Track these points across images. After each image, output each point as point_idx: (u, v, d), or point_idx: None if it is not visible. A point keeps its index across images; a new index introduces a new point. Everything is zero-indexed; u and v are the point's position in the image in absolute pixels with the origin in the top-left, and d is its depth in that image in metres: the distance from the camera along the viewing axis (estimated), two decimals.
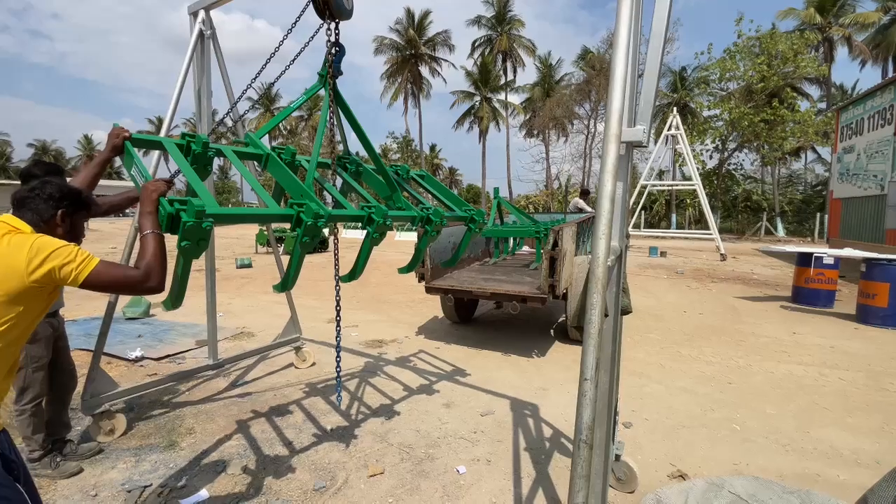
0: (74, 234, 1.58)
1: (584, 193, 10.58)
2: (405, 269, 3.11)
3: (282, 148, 2.52)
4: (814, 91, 30.62)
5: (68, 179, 1.97)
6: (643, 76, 1.58)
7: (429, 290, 4.87)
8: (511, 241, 7.25)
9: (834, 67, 28.86)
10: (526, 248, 7.98)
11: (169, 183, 1.78)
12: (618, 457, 2.46)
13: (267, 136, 2.51)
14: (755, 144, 25.47)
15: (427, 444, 2.97)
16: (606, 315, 1.21)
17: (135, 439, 2.98)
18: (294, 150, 2.53)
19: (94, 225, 24.34)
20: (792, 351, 5.02)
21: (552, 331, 4.71)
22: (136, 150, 2.02)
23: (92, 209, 1.66)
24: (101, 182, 2.09)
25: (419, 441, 3.01)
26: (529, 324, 6.18)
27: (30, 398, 2.50)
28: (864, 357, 4.83)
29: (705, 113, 26.94)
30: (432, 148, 47.04)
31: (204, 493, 2.41)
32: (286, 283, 2.21)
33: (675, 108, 17.21)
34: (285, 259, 4.46)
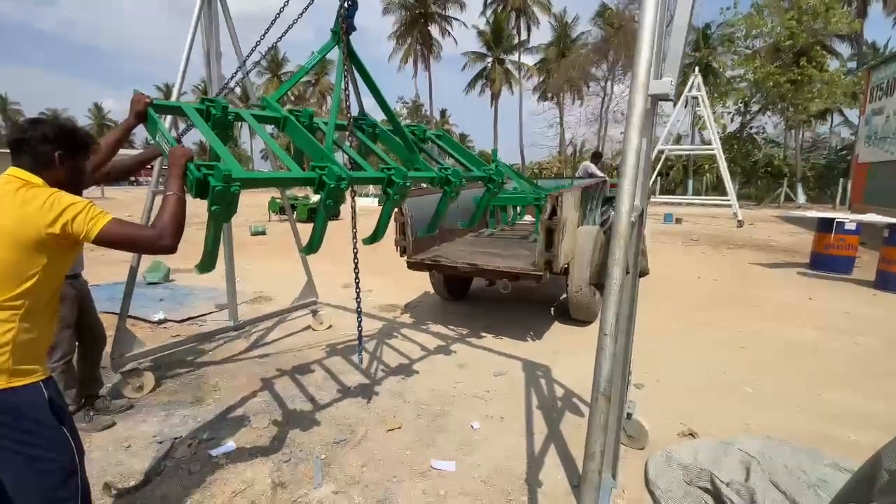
0: (76, 179, 1.53)
1: (596, 157, 9.48)
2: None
3: (298, 110, 2.48)
4: (844, 49, 28.95)
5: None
6: (672, 25, 1.50)
7: (411, 265, 4.36)
8: (511, 209, 6.39)
9: (866, 24, 27.13)
10: (528, 218, 6.98)
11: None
12: (629, 415, 2.51)
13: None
14: (779, 107, 24.41)
15: (442, 402, 3.06)
16: (627, 272, 1.20)
17: (163, 395, 3.12)
18: (311, 112, 2.50)
19: (109, 193, 24.65)
20: (807, 316, 4.99)
21: (552, 309, 4.25)
22: (158, 116, 2.00)
23: (91, 150, 1.58)
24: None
25: (434, 399, 3.11)
26: (528, 301, 5.64)
27: (59, 356, 2.61)
28: (881, 323, 4.79)
29: (728, 73, 25.75)
30: (443, 113, 46.05)
31: (231, 445, 2.54)
32: (312, 246, 2.24)
33: (696, 69, 16.47)
34: (299, 227, 4.52)
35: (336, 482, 2.25)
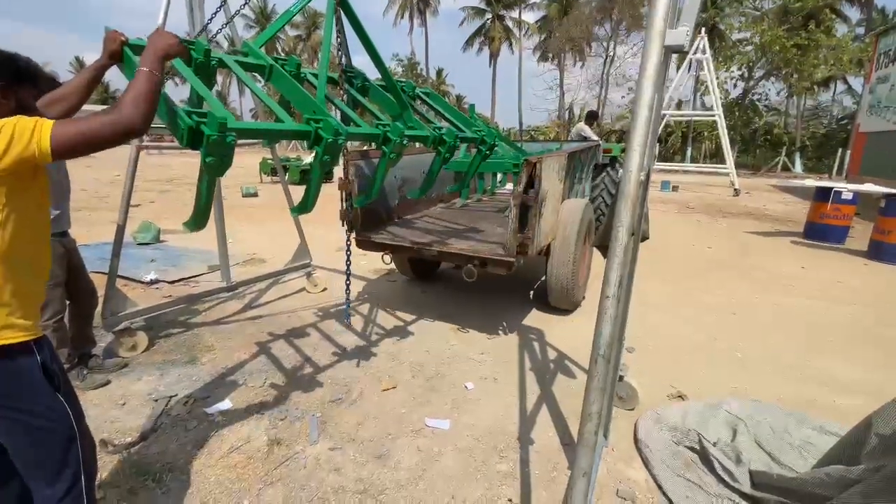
0: (25, 113, 1.29)
1: (591, 117, 8.41)
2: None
3: (284, 59, 2.33)
4: (853, 14, 28.10)
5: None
6: None
7: (360, 243, 3.55)
8: (489, 177, 5.54)
9: None
10: (510, 187, 5.88)
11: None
12: (621, 378, 2.54)
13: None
14: (784, 72, 23.86)
15: (437, 363, 3.09)
16: (632, 235, 1.16)
17: (157, 355, 3.12)
18: (298, 62, 2.34)
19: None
20: (799, 285, 5.04)
21: (531, 294, 3.52)
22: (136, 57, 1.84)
23: (40, 82, 1.35)
24: (92, 107, 1.88)
25: (429, 360, 3.13)
26: (504, 283, 4.80)
27: (50, 314, 2.57)
28: (872, 292, 4.85)
29: (735, 36, 24.97)
30: (439, 73, 44.58)
31: (227, 403, 2.56)
32: (306, 205, 2.17)
33: (703, 30, 15.90)
34: (291, 189, 4.40)
35: (332, 439, 2.28)
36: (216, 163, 1.55)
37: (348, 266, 2.82)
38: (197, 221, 1.82)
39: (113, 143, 1.19)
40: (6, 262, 1.17)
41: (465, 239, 3.50)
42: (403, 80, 3.12)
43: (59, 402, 1.29)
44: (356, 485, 1.99)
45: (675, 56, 1.66)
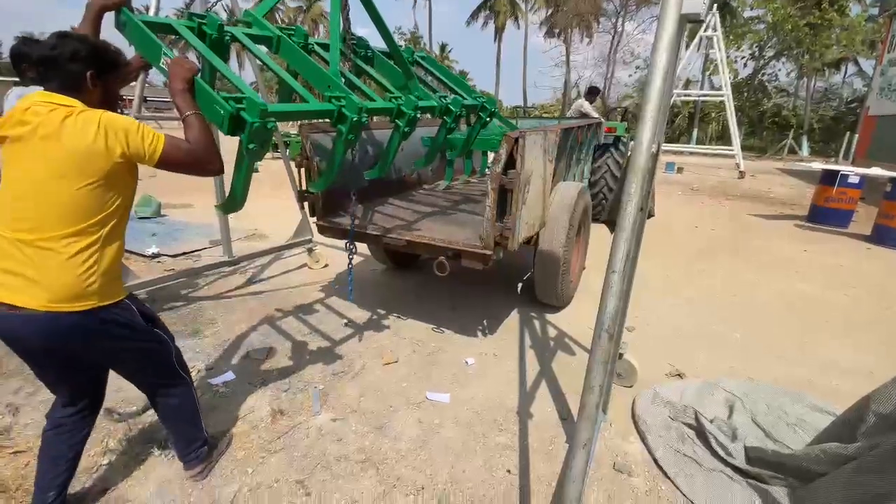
0: (110, 102, 1.45)
1: (593, 93, 7.78)
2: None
3: (291, 29, 2.25)
4: None
5: None
6: None
7: (321, 229, 3.19)
8: (481, 156, 5.07)
9: None
10: None
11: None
12: (620, 355, 2.56)
13: None
14: (795, 52, 23.31)
15: (438, 339, 3.11)
16: (641, 210, 1.14)
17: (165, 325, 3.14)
18: (305, 32, 2.26)
19: None
20: (801, 268, 5.04)
21: (519, 287, 3.19)
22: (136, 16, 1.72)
23: (122, 69, 1.47)
24: None
25: (430, 336, 3.16)
26: (490, 274, 4.27)
27: None
28: (874, 276, 4.85)
29: (746, 13, 24.29)
30: (442, 48, 43.59)
31: (230, 375, 2.59)
32: (328, 180, 2.16)
33: (714, 6, 15.45)
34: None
35: (334, 410, 2.32)
36: (257, 150, 1.55)
37: (352, 237, 2.78)
38: (234, 206, 1.85)
39: (199, 175, 1.50)
40: (112, 235, 1.38)
41: (441, 226, 3.09)
42: (402, 46, 3.00)
43: (157, 334, 1.64)
44: (358, 454, 2.03)
45: (685, 34, 1.61)
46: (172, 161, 1.38)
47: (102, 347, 1.47)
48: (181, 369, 1.75)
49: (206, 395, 2.39)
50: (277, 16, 37.96)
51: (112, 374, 1.68)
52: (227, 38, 1.92)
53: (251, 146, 1.53)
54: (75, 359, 1.51)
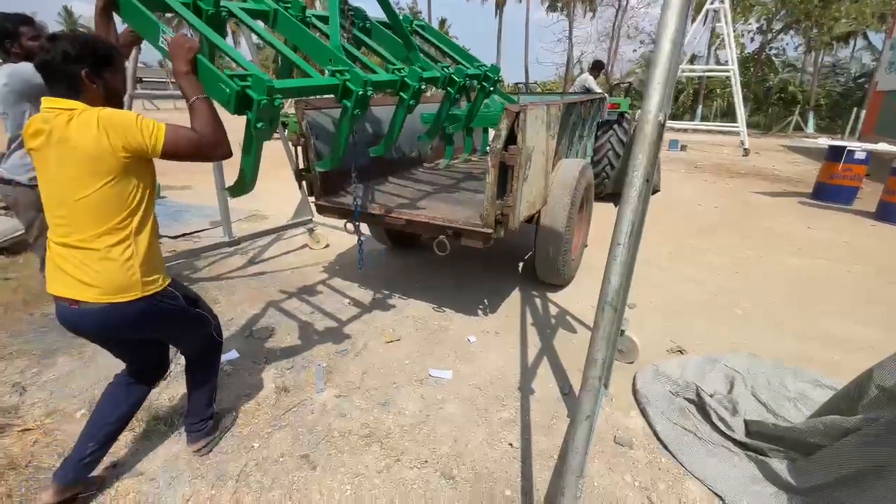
0: (113, 97, 1.44)
1: (597, 67, 7.54)
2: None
3: (287, 1, 2.17)
4: None
5: None
6: None
7: (320, 209, 3.17)
8: (482, 133, 4.91)
9: None
10: None
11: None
12: (622, 332, 2.57)
13: None
14: (803, 26, 22.75)
15: (440, 317, 3.12)
16: (647, 180, 1.11)
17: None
18: (303, 3, 2.19)
19: None
20: (804, 245, 5.01)
21: (520, 266, 3.20)
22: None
23: (117, 61, 1.44)
24: None
25: (432, 314, 3.16)
26: (492, 253, 4.26)
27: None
28: (878, 253, 4.82)
29: None
30: (442, 23, 42.63)
31: (234, 353, 2.60)
32: (335, 159, 2.12)
33: None
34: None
35: (338, 387, 2.34)
36: (266, 128, 1.51)
37: (357, 213, 2.75)
38: (244, 188, 1.80)
39: (207, 161, 1.49)
40: (142, 226, 1.42)
41: (441, 205, 3.08)
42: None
43: (200, 314, 1.74)
44: (362, 429, 2.05)
45: (691, 6, 1.54)
46: (176, 152, 1.38)
47: (153, 329, 1.58)
48: (217, 347, 1.88)
49: None
50: None
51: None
52: (225, 13, 1.85)
53: (260, 125, 1.50)
54: (132, 340, 1.64)
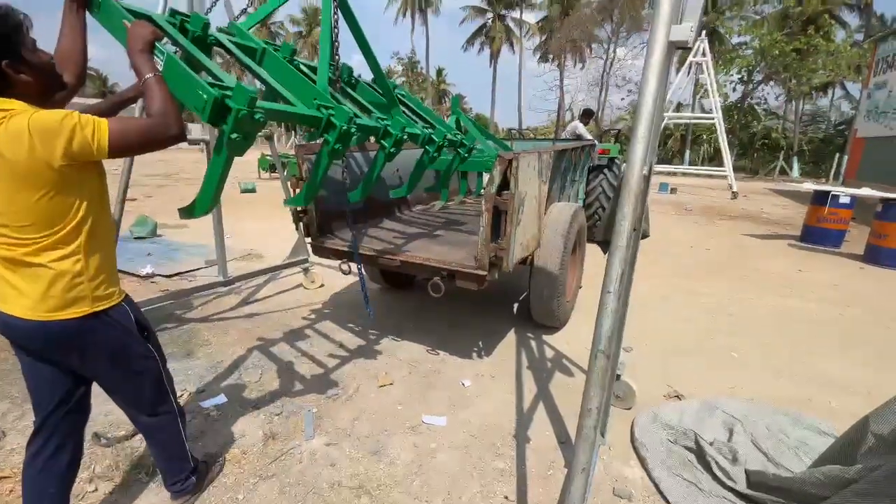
0: (49, 84, 1.30)
1: (586, 115, 7.79)
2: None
3: (276, 44, 2.27)
4: (852, 20, 28.25)
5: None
6: None
7: (315, 249, 3.17)
8: (474, 177, 5.02)
9: None
10: None
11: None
12: (618, 376, 2.54)
13: None
14: (783, 77, 23.98)
15: (434, 360, 3.08)
16: (634, 230, 1.15)
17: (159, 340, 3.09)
18: (293, 47, 2.27)
19: None
20: (796, 287, 5.06)
21: (515, 307, 3.24)
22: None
23: (23, 37, 1.22)
24: (78, 100, 1.68)
25: (426, 357, 3.12)
26: (486, 294, 4.20)
27: None
28: (868, 295, 4.87)
29: (734, 40, 25.08)
30: (439, 72, 44.53)
31: (222, 398, 2.54)
32: (310, 194, 2.14)
33: (703, 33, 15.95)
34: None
35: (328, 435, 2.27)
36: (240, 142, 1.43)
37: (356, 251, 2.75)
38: (205, 205, 1.61)
39: (161, 147, 1.33)
40: (92, 237, 1.32)
41: (435, 247, 3.09)
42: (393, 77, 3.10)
43: (150, 350, 1.56)
44: (351, 480, 1.98)
45: (675, 58, 1.66)
46: (127, 145, 1.24)
47: (95, 353, 1.41)
48: (169, 392, 1.67)
49: (198, 419, 2.34)
50: (278, 41, 38.82)
51: (102, 398, 1.63)
52: (212, 39, 1.87)
53: (234, 136, 1.38)
54: (68, 367, 1.44)
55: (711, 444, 2.21)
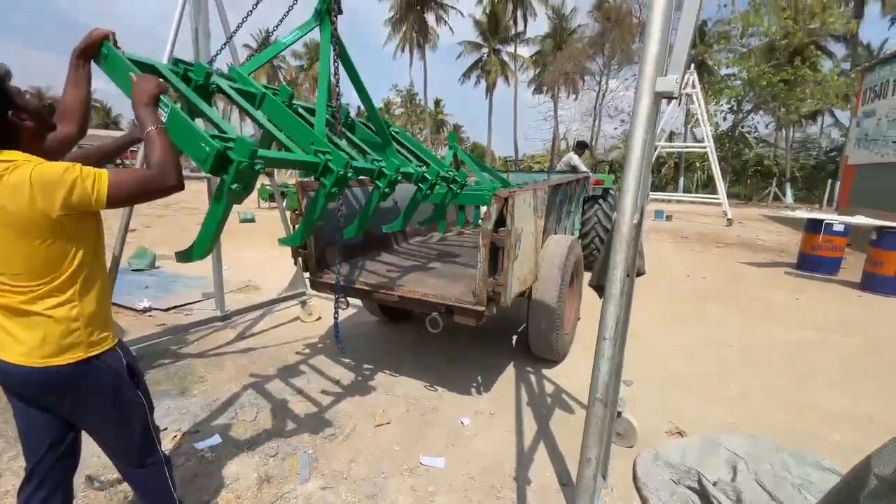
0: (39, 128, 1.31)
1: (581, 147, 8.06)
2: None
3: (275, 88, 2.34)
4: (839, 50, 29.25)
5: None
6: (679, 23, 1.46)
7: (314, 284, 3.20)
8: (470, 209, 4.93)
9: (863, 24, 27.34)
10: None
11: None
12: (619, 413, 2.51)
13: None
14: (771, 106, 24.62)
15: (432, 397, 3.04)
16: (627, 276, 1.17)
17: (148, 386, 3.05)
18: (291, 92, 2.35)
19: None
20: (793, 316, 5.05)
21: (514, 340, 3.26)
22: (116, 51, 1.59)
23: (17, 97, 1.26)
24: (95, 132, 1.75)
25: (424, 394, 3.08)
26: (485, 327, 3.79)
27: None
28: (866, 324, 4.86)
29: (723, 71, 25.86)
30: (437, 103, 45.64)
31: (217, 438, 2.49)
32: (305, 234, 2.17)
33: (692, 65, 16.47)
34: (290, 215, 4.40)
35: (323, 477, 2.22)
36: (240, 192, 1.47)
37: (338, 291, 2.75)
38: (201, 251, 1.66)
39: (159, 197, 1.35)
40: (87, 284, 1.33)
41: (433, 280, 3.09)
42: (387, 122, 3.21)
43: (140, 398, 1.51)
44: None
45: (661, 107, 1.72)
46: (126, 195, 1.27)
47: (88, 398, 1.40)
48: (156, 441, 1.62)
49: (192, 461, 2.30)
50: (280, 74, 39.89)
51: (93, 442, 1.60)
52: (213, 86, 1.93)
53: (234, 186, 1.43)
54: (60, 413, 1.42)
55: (715, 483, 2.17)
